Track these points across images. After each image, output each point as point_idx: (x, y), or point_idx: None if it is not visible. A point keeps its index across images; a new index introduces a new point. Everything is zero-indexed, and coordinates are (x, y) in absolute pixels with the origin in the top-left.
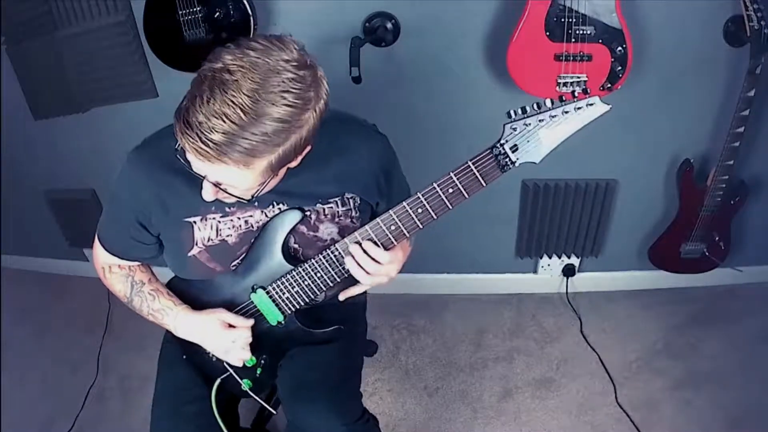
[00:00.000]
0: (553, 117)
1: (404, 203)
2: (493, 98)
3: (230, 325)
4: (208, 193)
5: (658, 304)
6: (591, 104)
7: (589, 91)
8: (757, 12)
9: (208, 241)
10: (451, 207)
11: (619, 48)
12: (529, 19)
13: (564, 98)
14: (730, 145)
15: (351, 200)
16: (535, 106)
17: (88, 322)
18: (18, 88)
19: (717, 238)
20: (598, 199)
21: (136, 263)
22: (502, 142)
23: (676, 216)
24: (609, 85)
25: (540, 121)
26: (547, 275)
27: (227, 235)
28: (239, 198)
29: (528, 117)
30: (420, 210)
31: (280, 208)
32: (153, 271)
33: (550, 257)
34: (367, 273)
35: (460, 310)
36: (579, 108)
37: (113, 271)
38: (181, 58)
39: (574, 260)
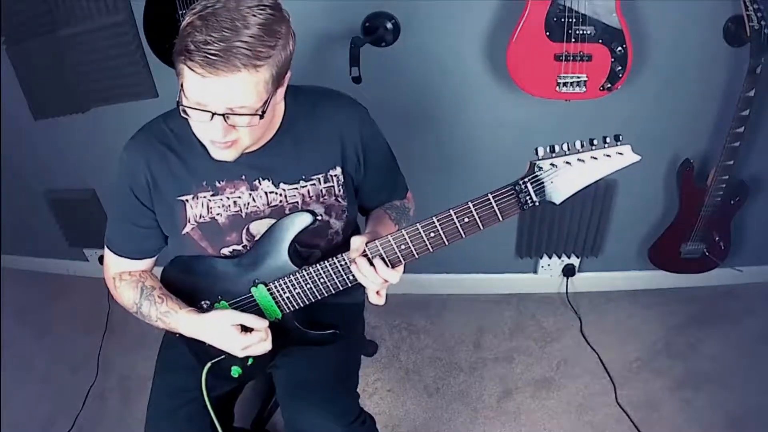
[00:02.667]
0: (580, 161)
1: (418, 225)
2: (493, 98)
3: (243, 327)
4: (218, 133)
5: (658, 304)
6: (620, 153)
7: (621, 139)
8: (757, 12)
9: (200, 218)
10: (464, 236)
11: (619, 48)
12: (529, 19)
13: (594, 141)
14: (730, 145)
15: (334, 178)
16: (564, 147)
17: (88, 322)
18: (18, 88)
19: (717, 238)
20: (598, 199)
21: (146, 269)
22: (525, 179)
23: (676, 216)
24: (609, 85)
25: (567, 163)
26: (547, 275)
27: (217, 214)
28: (250, 125)
29: (556, 157)
30: (433, 234)
31: (266, 189)
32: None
33: (550, 257)
34: (372, 284)
35: (460, 310)
36: (608, 156)
37: (123, 279)
38: None
39: (574, 260)
